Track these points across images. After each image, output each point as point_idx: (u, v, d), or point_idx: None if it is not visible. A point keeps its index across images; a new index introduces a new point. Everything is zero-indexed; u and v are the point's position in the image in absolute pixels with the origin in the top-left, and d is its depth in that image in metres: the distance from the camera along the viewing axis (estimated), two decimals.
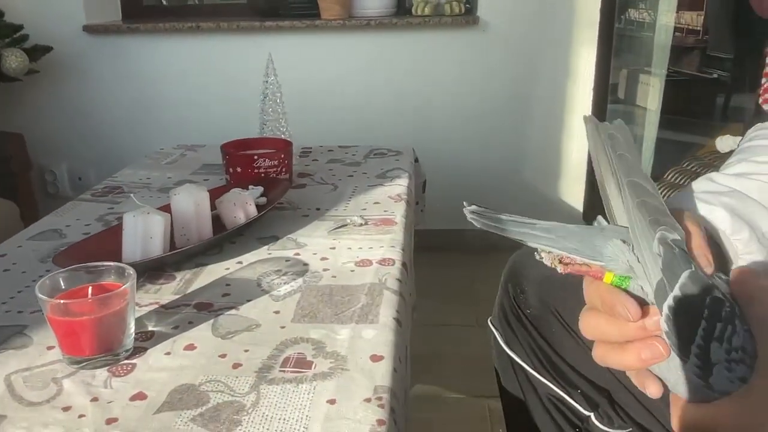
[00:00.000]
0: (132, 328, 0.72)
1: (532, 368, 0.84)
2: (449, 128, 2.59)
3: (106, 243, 0.97)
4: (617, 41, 2.61)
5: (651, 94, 3.00)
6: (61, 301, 0.68)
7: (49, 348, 0.74)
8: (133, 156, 2.36)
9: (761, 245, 0.50)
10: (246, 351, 0.74)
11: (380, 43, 2.53)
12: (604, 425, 0.80)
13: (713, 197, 0.52)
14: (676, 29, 3.46)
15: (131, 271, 0.72)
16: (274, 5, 2.64)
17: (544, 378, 0.83)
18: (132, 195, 1.13)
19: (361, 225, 1.12)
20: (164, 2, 3.07)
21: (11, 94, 2.54)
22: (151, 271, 0.94)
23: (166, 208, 1.03)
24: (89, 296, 0.69)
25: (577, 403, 0.82)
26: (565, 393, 0.81)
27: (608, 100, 2.63)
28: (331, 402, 0.64)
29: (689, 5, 4.67)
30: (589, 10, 2.46)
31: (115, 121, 2.64)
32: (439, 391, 1.76)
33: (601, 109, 2.59)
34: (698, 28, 4.66)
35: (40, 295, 0.68)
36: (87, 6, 2.56)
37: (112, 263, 0.74)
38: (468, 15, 2.53)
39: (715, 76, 4.54)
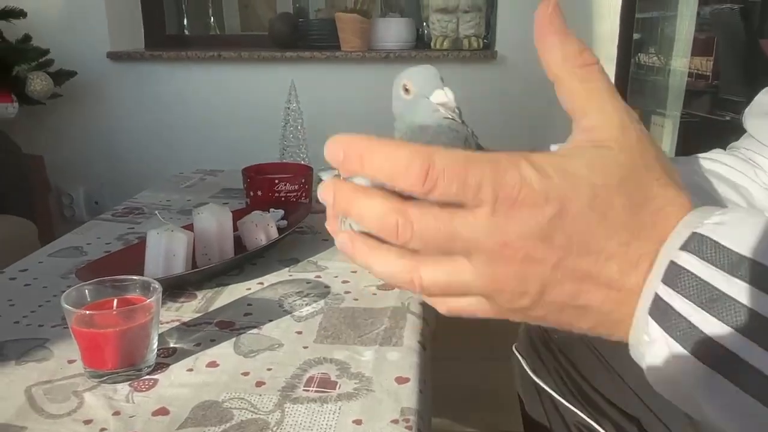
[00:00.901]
0: (155, 343, 0.71)
1: (559, 395, 0.82)
2: None
3: (129, 259, 0.96)
4: (630, 83, 2.63)
5: (665, 136, 3.01)
6: (87, 312, 0.67)
7: (71, 361, 0.74)
8: (151, 182, 2.38)
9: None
10: (269, 369, 0.72)
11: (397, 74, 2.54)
12: None
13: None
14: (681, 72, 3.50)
15: (157, 285, 0.72)
16: (294, 37, 2.68)
17: (573, 405, 0.81)
18: (157, 212, 1.13)
19: None
20: (186, 32, 3.12)
21: (34, 117, 2.58)
22: (173, 288, 0.94)
23: (188, 228, 1.02)
24: (114, 309, 0.69)
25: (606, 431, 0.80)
26: (594, 421, 0.79)
27: None
28: (358, 422, 0.62)
29: (699, 51, 4.72)
30: (607, 49, 2.47)
31: (134, 146, 2.66)
32: (451, 425, 1.73)
33: None
34: (708, 73, 4.69)
35: (65, 305, 0.67)
36: (112, 33, 2.61)
37: (137, 277, 0.74)
38: (486, 50, 2.55)
39: (728, 118, 4.55)
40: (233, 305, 0.90)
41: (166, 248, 0.92)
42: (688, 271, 0.31)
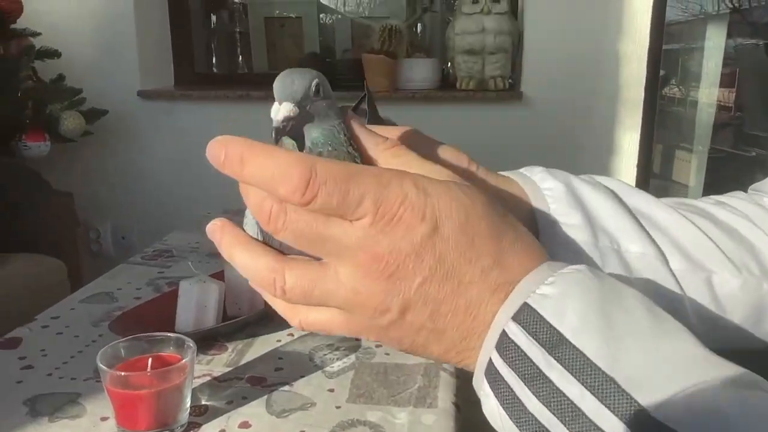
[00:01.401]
0: (188, 402, 0.71)
1: None
2: None
3: (160, 310, 0.96)
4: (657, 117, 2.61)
5: (692, 171, 2.97)
6: (122, 374, 0.66)
7: (103, 419, 0.73)
8: (177, 217, 2.38)
9: (595, 243, 0.47)
10: None
11: (425, 115, 2.55)
12: None
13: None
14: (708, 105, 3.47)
15: (191, 343, 0.71)
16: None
17: None
18: (190, 263, 1.13)
19: None
20: (215, 71, 3.16)
21: (64, 154, 2.61)
22: (204, 340, 0.93)
23: (217, 275, 1.02)
24: (149, 369, 0.68)
25: None
26: None
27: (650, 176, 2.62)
28: None
29: (722, 83, 4.67)
30: (633, 87, 2.47)
31: (162, 182, 2.69)
32: None
33: (643, 186, 2.56)
34: (730, 105, 4.65)
35: (101, 365, 0.67)
36: (142, 72, 2.65)
37: (172, 334, 0.73)
38: (512, 90, 2.55)
39: (754, 154, 4.49)
40: (264, 359, 0.89)
41: (198, 299, 0.92)
42: (515, 343, 0.32)
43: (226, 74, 3.11)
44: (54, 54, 2.40)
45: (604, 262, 0.46)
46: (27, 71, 2.32)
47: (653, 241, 0.48)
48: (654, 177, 3.40)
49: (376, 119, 0.64)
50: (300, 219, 0.33)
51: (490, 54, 2.51)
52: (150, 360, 0.69)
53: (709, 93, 2.93)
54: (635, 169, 2.51)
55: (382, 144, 0.38)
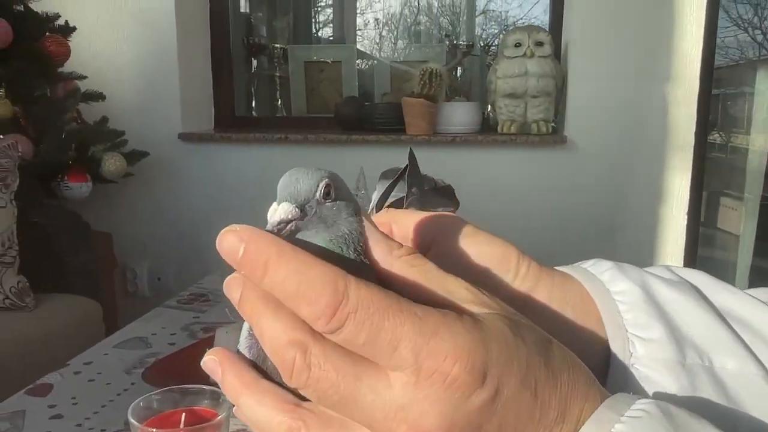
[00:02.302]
0: None
1: None
2: (533, 248, 2.51)
3: (195, 358, 0.93)
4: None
5: (741, 219, 2.87)
6: (153, 430, 0.62)
7: None
8: (213, 260, 2.38)
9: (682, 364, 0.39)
10: None
11: (465, 158, 2.53)
12: None
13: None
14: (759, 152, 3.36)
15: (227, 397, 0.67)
16: (360, 120, 2.70)
17: None
18: (227, 309, 1.10)
19: None
20: (254, 114, 3.19)
21: (105, 195, 2.64)
22: None
23: None
24: (182, 425, 0.64)
25: None
26: None
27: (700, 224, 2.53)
28: None
29: None
30: (682, 131, 2.40)
31: (200, 224, 2.69)
32: None
33: (694, 235, 2.47)
34: None
35: (132, 420, 0.63)
36: (184, 115, 2.68)
37: (206, 386, 0.69)
38: (555, 134, 2.51)
39: None
40: None
41: (234, 348, 0.88)
42: None
43: (266, 117, 3.13)
44: (98, 97, 2.44)
45: (694, 383, 0.39)
46: (72, 113, 2.35)
47: (752, 353, 0.41)
48: (705, 225, 3.30)
49: (420, 186, 0.59)
50: (326, 377, 0.28)
51: (532, 97, 2.49)
52: (183, 415, 0.65)
53: (760, 139, 2.84)
54: (685, 218, 2.43)
55: (396, 250, 0.34)
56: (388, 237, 0.35)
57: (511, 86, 2.49)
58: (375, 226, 0.35)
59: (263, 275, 0.29)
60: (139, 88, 2.68)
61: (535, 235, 2.50)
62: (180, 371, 0.85)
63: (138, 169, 2.56)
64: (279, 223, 0.34)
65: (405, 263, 0.33)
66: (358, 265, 0.34)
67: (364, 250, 0.35)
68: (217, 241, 0.30)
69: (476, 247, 0.41)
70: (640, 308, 0.40)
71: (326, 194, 0.35)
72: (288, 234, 0.34)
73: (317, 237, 0.35)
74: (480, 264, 0.40)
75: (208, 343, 0.93)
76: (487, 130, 2.64)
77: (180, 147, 2.67)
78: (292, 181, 0.36)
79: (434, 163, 2.60)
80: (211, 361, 0.33)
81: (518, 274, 0.41)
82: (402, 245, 0.34)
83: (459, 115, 2.60)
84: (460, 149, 2.53)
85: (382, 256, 0.33)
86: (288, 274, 0.29)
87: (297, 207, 0.35)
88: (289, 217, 0.34)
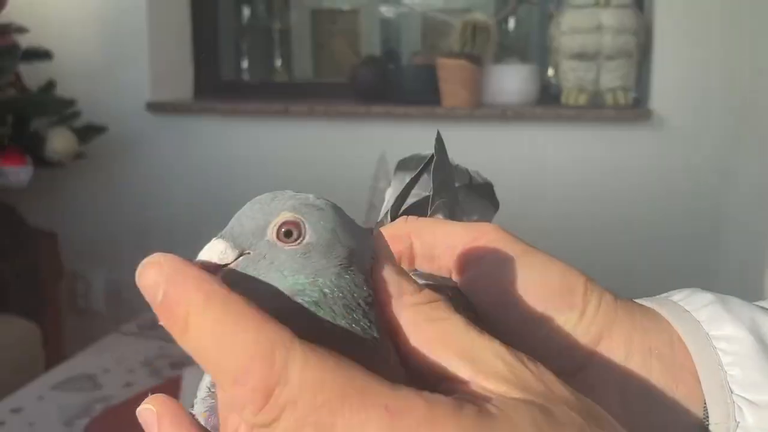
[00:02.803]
0: None
1: None
2: (604, 264, 2.46)
3: None
4: None
5: None
6: None
7: None
8: None
9: None
10: None
11: (518, 138, 2.51)
12: None
13: None
14: None
15: None
16: (383, 87, 2.69)
17: None
18: None
19: None
20: (246, 78, 3.17)
21: (50, 183, 2.63)
22: None
23: None
24: None
25: None
26: None
27: None
28: None
29: None
30: None
31: (176, 219, 2.68)
32: None
33: None
34: None
35: None
36: (153, 79, 2.67)
37: None
38: (636, 107, 2.48)
39: None
40: None
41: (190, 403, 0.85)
42: None
43: (260, 83, 3.12)
44: (44, 55, 2.43)
45: None
46: (9, 76, 2.34)
47: None
48: None
49: (449, 182, 0.55)
50: None
51: (607, 59, 2.45)
52: None
53: None
54: None
55: (409, 295, 0.33)
56: (401, 272, 0.34)
57: (579, 44, 2.45)
58: (385, 250, 0.34)
59: (182, 333, 0.28)
60: (96, 44, 2.68)
61: (607, 244, 2.47)
62: (136, 424, 0.81)
63: (93, 149, 2.55)
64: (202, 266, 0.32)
65: (419, 315, 0.32)
66: (334, 328, 0.32)
67: (369, 291, 0.33)
68: (136, 275, 0.31)
69: (528, 274, 0.40)
70: (751, 361, 0.39)
71: (287, 234, 0.33)
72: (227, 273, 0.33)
73: (273, 274, 0.33)
74: (532, 299, 0.39)
75: (176, 386, 0.89)
76: (547, 101, 2.61)
77: (148, 120, 2.66)
78: (244, 212, 0.35)
79: (478, 144, 2.59)
80: (147, 412, 0.33)
81: (585, 312, 0.40)
82: (419, 288, 0.33)
83: (511, 81, 2.57)
84: (512, 126, 2.50)
85: (387, 299, 0.33)
86: (210, 335, 0.28)
87: (235, 249, 0.34)
88: (215, 260, 0.33)
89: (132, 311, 2.29)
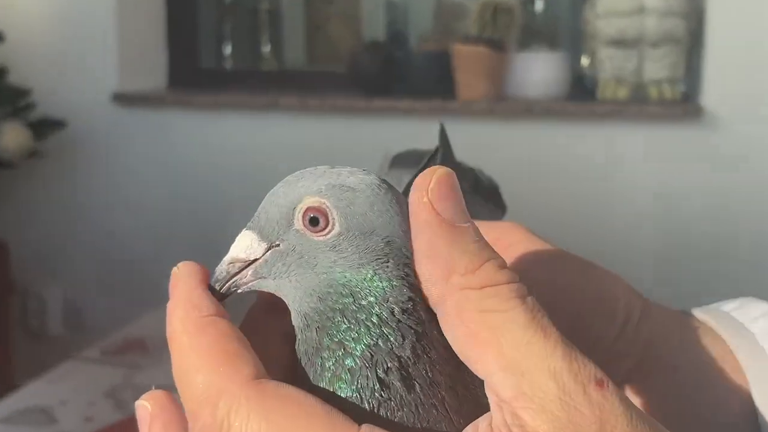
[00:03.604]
0: None
1: None
2: (648, 278, 2.46)
3: None
4: None
5: None
6: None
7: None
8: (160, 285, 2.36)
9: None
10: None
11: (547, 137, 2.52)
12: None
13: None
14: None
15: None
16: (388, 76, 2.69)
17: None
18: None
19: None
20: (228, 65, 3.18)
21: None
22: None
23: None
24: None
25: None
26: None
27: None
28: None
29: None
30: None
31: (145, 228, 2.70)
32: None
33: None
34: None
35: None
36: (122, 66, 2.68)
37: None
38: (685, 103, 2.48)
39: None
40: None
41: None
42: None
43: (246, 71, 3.13)
44: None
45: None
46: None
47: None
48: None
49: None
50: None
51: (652, 46, 2.45)
52: None
53: None
54: None
55: (458, 275, 0.32)
56: (454, 238, 0.32)
57: (618, 29, 2.46)
58: (436, 212, 0.32)
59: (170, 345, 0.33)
60: (54, 25, 2.69)
61: (651, 255, 2.48)
62: None
63: (51, 146, 2.56)
64: (228, 267, 0.35)
65: (467, 302, 0.31)
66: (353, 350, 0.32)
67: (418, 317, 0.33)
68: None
69: (562, 278, 0.41)
70: None
71: (313, 222, 0.33)
72: (242, 286, 0.35)
73: (305, 272, 0.33)
74: (568, 306, 0.40)
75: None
76: (581, 94, 2.62)
77: (115, 114, 2.68)
78: (269, 197, 0.35)
79: (498, 144, 2.60)
80: (142, 409, 0.35)
81: (628, 322, 0.41)
82: (478, 262, 0.32)
83: (538, 71, 2.58)
84: (540, 123, 2.52)
85: (433, 278, 0.32)
86: (177, 364, 0.32)
87: (263, 242, 0.34)
88: (243, 257, 0.34)
89: (94, 334, 2.29)
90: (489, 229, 0.41)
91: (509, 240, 0.42)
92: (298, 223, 0.33)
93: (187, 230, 2.64)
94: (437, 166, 0.34)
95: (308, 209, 0.33)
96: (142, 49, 2.79)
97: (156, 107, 2.70)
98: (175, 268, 0.35)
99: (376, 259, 0.33)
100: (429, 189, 0.32)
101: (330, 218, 0.33)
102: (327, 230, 0.33)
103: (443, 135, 0.53)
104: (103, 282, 2.74)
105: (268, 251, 0.34)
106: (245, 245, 0.34)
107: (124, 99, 2.67)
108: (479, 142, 2.51)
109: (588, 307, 0.40)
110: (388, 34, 3.05)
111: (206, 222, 2.62)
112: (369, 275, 0.32)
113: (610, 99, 2.49)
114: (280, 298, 0.35)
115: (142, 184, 2.71)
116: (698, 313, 0.44)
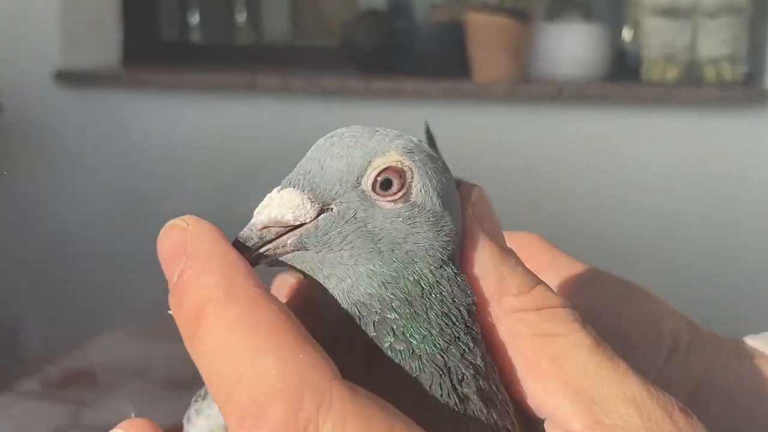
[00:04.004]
0: None
1: None
2: (709, 274, 2.45)
3: None
4: None
5: None
6: None
7: None
8: (114, 302, 2.31)
9: None
10: None
11: (581, 126, 2.52)
12: None
13: None
14: None
15: None
16: (388, 53, 2.70)
17: None
18: (131, 404, 1.08)
19: None
20: (195, 38, 3.18)
21: None
22: None
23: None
24: None
25: None
26: None
27: None
28: None
29: None
30: None
31: (94, 235, 2.70)
32: None
33: None
34: None
35: None
36: (66, 41, 2.68)
37: None
38: (747, 85, 2.49)
39: None
40: None
41: None
42: None
43: (216, 45, 3.15)
44: None
45: None
46: None
47: None
48: None
49: None
50: None
51: (708, 17, 2.46)
52: None
53: None
54: None
55: (515, 296, 0.34)
56: (503, 256, 0.35)
57: None
58: (483, 218, 0.35)
59: (190, 334, 0.31)
60: None
61: (705, 268, 2.47)
62: None
63: None
64: (262, 232, 0.33)
65: (524, 326, 0.33)
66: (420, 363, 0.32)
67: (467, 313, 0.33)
68: (158, 238, 0.33)
69: (597, 300, 0.44)
70: None
71: (385, 185, 0.33)
72: (274, 258, 0.33)
73: (365, 244, 0.33)
74: (605, 332, 0.40)
75: None
76: (622, 75, 2.62)
77: (58, 95, 2.68)
78: (323, 148, 0.34)
79: (522, 134, 2.60)
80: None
81: (675, 350, 0.43)
82: (531, 284, 0.34)
83: (571, 47, 2.58)
84: (572, 110, 2.51)
85: (482, 299, 0.34)
86: (221, 347, 0.30)
87: (315, 202, 0.33)
88: (290, 219, 0.33)
89: (33, 363, 2.26)
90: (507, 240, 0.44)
91: (530, 252, 0.43)
92: (368, 182, 0.33)
93: (145, 236, 2.60)
94: (471, 183, 0.36)
95: (388, 169, 0.33)
96: (90, 19, 2.79)
97: (108, 88, 2.70)
98: (180, 222, 0.33)
99: (445, 247, 0.33)
100: (473, 203, 0.35)
101: (408, 183, 0.33)
102: (399, 196, 0.32)
103: (430, 137, 0.54)
104: (42, 302, 2.72)
105: (319, 215, 0.33)
106: (293, 204, 0.33)
107: (68, 78, 2.66)
108: (498, 132, 2.54)
109: (631, 333, 0.42)
110: (388, 3, 3.06)
111: (162, 210, 2.59)
112: (438, 263, 0.33)
113: (657, 81, 2.49)
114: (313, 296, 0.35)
115: (91, 181, 2.70)
116: (752, 340, 0.46)
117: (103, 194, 2.69)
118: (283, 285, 0.43)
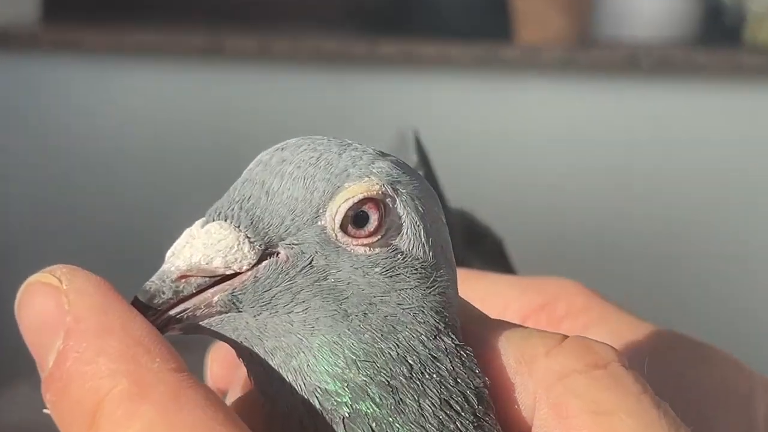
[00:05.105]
0: None
1: None
2: None
3: None
4: None
5: None
6: None
7: None
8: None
9: None
10: None
11: (662, 103, 2.58)
12: None
13: None
14: None
15: None
16: (401, 11, 2.76)
17: None
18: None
19: None
20: None
21: None
22: None
23: None
24: None
25: None
26: None
27: None
28: None
29: None
30: None
31: (9, 229, 2.74)
32: None
33: None
34: None
35: None
36: None
37: None
38: None
39: None
40: None
41: None
42: None
43: None
44: None
45: None
46: None
47: None
48: None
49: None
50: None
51: None
52: None
53: None
54: None
55: (552, 356, 0.35)
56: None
57: None
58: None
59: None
60: None
61: None
62: None
63: None
64: (178, 284, 0.33)
65: (575, 395, 0.34)
66: None
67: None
68: (16, 302, 0.33)
69: (672, 367, 0.46)
70: None
71: (358, 221, 0.33)
72: (193, 322, 0.33)
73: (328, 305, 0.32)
74: (683, 407, 0.41)
75: None
76: (716, 39, 2.66)
77: None
78: (269, 167, 0.35)
79: (584, 114, 2.52)
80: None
81: (754, 424, 0.45)
82: (559, 338, 0.36)
83: (646, 4, 2.63)
84: (650, 82, 2.57)
85: (504, 376, 0.35)
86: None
87: (255, 243, 0.33)
88: (218, 266, 0.33)
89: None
90: (532, 289, 0.47)
91: (565, 309, 0.46)
92: (333, 217, 0.32)
93: (68, 227, 2.65)
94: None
95: (365, 200, 0.32)
96: None
97: (24, 49, 2.74)
98: (49, 278, 0.32)
99: (440, 309, 0.33)
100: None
101: (390, 221, 0.33)
102: (377, 237, 0.33)
103: (420, 149, 0.58)
104: None
105: (260, 262, 0.32)
106: (224, 245, 0.32)
107: None
108: (550, 111, 2.55)
109: (710, 406, 0.44)
110: None
111: (103, 224, 2.61)
112: (432, 331, 0.33)
113: (762, 45, 2.55)
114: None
115: (3, 164, 2.74)
116: None
117: (17, 179, 2.71)
118: (223, 359, 0.44)
